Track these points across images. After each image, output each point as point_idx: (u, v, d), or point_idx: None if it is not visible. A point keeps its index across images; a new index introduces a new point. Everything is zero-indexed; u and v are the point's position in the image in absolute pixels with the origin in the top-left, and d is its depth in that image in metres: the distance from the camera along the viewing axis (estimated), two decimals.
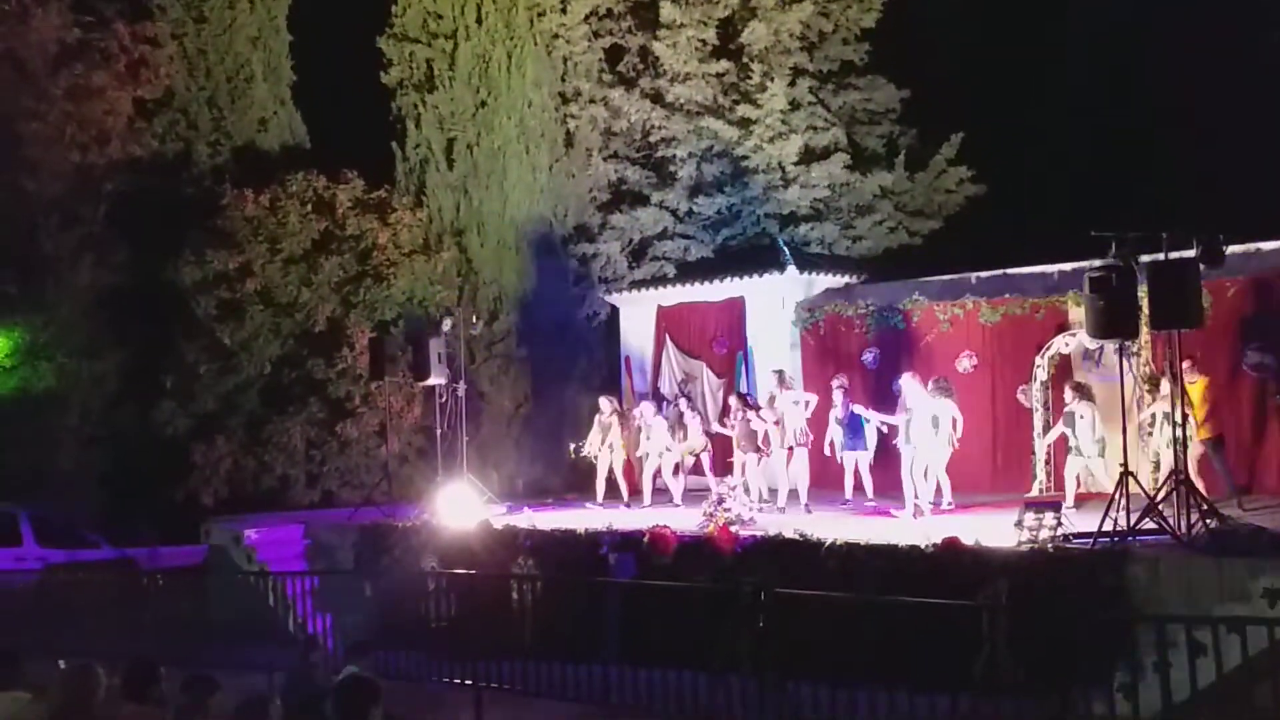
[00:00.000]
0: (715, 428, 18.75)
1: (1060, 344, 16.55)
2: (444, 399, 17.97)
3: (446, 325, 17.94)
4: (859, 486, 16.81)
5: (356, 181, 20.70)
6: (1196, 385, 14.31)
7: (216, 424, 19.55)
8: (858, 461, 16.74)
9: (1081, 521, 12.48)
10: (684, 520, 15.00)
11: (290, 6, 22.75)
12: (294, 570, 15.91)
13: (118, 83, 19.60)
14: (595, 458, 18.25)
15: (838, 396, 16.69)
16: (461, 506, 16.68)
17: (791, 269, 20.35)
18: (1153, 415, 14.92)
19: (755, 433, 16.76)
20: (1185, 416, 12.58)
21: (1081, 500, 14.67)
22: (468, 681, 12.00)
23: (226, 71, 21.81)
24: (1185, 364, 13.82)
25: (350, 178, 20.66)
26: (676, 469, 18.03)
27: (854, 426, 16.53)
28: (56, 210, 19.52)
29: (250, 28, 22.08)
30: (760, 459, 16.88)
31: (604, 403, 18.48)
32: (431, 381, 17.73)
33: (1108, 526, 11.79)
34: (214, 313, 19.63)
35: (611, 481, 18.16)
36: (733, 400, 17.57)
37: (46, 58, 19.20)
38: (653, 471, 18.03)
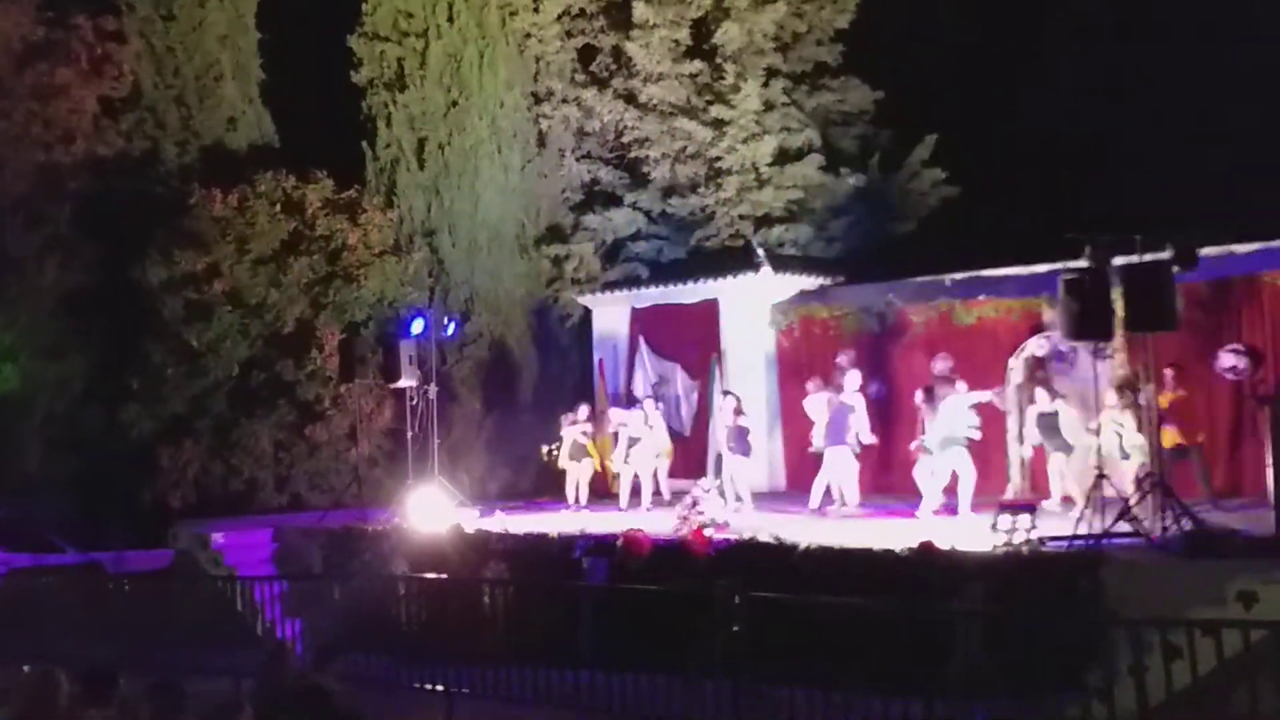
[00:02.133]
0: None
1: (1034, 346, 16.56)
2: (415, 401, 17.84)
3: (417, 327, 17.81)
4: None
5: (326, 181, 20.53)
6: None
7: (184, 426, 19.36)
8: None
9: (1057, 523, 12.47)
10: (658, 524, 14.93)
11: (259, 4, 22.51)
12: (262, 575, 15.74)
13: (83, 80, 19.38)
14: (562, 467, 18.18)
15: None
16: (432, 510, 16.56)
17: (766, 270, 20.30)
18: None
19: (745, 432, 16.76)
20: (1162, 419, 12.57)
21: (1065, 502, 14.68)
22: (439, 687, 11.90)
23: (195, 70, 21.57)
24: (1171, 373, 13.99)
25: (320, 177, 20.50)
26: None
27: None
28: (21, 210, 19.29)
29: (219, 26, 21.84)
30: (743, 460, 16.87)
31: (581, 410, 18.36)
32: (402, 384, 17.61)
33: (1082, 529, 11.80)
34: (181, 314, 19.43)
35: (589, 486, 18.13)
36: (723, 400, 17.37)
37: (10, 56, 18.97)
38: (652, 472, 17.87)
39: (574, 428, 18.19)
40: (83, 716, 6.98)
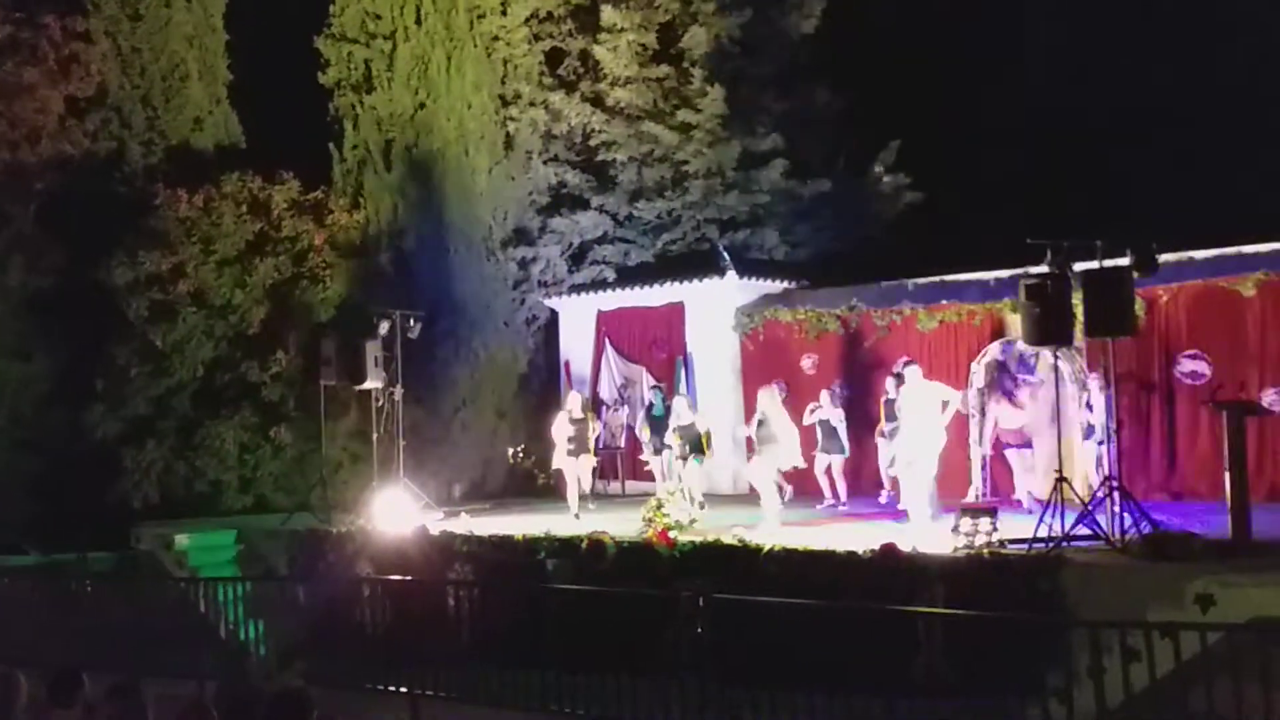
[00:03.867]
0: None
1: (996, 351, 16.71)
2: (380, 403, 17.81)
3: (383, 328, 17.77)
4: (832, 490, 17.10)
5: (292, 182, 20.45)
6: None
7: (148, 427, 19.25)
8: (831, 464, 16.86)
9: (1018, 525, 12.59)
10: (622, 525, 14.97)
11: (227, 5, 22.44)
12: (226, 576, 15.69)
13: (49, 80, 19.25)
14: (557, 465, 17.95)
15: (825, 398, 16.84)
16: (397, 512, 16.54)
17: (731, 274, 20.40)
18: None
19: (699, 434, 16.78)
20: (1119, 422, 12.70)
21: None
22: (403, 688, 11.89)
23: (161, 70, 21.45)
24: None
25: (286, 179, 20.42)
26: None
27: (832, 429, 16.71)
28: None
29: (186, 26, 21.74)
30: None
31: (574, 398, 18.10)
32: (368, 385, 17.56)
33: (1042, 532, 11.93)
34: (146, 315, 19.32)
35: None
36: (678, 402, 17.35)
37: None
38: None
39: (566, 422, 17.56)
40: (46, 718, 6.97)
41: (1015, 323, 15.29)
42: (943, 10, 22.85)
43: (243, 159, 21.39)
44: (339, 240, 20.31)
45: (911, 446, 14.31)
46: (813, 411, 16.98)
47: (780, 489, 16.17)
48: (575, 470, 17.39)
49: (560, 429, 17.55)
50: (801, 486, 17.12)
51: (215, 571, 16.10)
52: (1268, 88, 19.64)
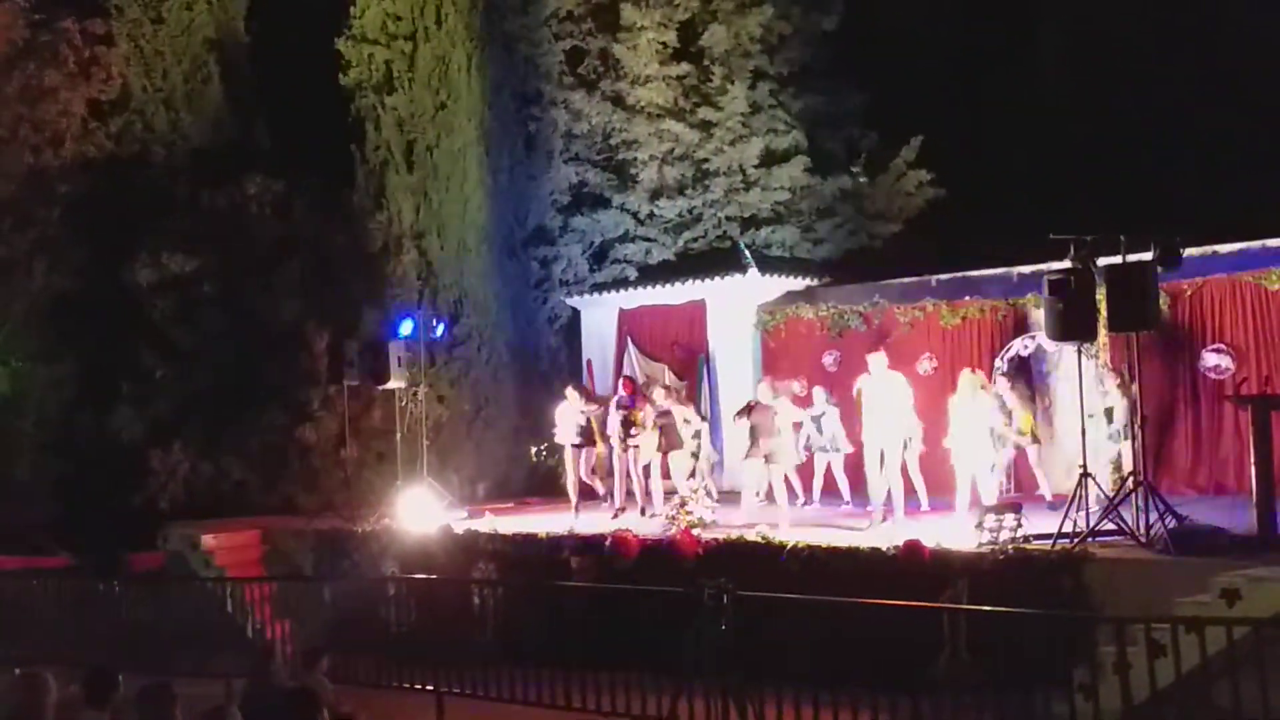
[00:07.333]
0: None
1: (1019, 346, 16.68)
2: (404, 402, 17.88)
3: (406, 328, 17.82)
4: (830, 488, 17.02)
5: (315, 183, 20.53)
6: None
7: (174, 428, 19.36)
8: (830, 462, 16.86)
9: (1042, 521, 12.56)
10: (646, 524, 14.97)
11: (248, 7, 22.58)
12: (252, 576, 15.77)
13: (71, 83, 19.42)
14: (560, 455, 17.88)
15: (819, 395, 16.83)
16: (422, 511, 16.59)
17: (753, 271, 20.38)
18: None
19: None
20: (1144, 417, 12.63)
21: None
22: (429, 687, 11.94)
23: (183, 72, 21.62)
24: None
25: (308, 180, 20.50)
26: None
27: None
28: (10, 212, 19.31)
29: (207, 28, 21.92)
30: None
31: (570, 392, 17.77)
32: (391, 385, 17.64)
33: (1067, 527, 11.90)
34: (171, 316, 19.45)
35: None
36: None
37: None
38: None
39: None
40: (77, 718, 7.01)
41: (1038, 318, 15.23)
42: (963, 5, 22.77)
43: (265, 160, 21.50)
44: (361, 241, 20.35)
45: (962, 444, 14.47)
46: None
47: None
48: (577, 463, 17.24)
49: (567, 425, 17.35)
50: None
51: (241, 571, 16.20)
52: None
